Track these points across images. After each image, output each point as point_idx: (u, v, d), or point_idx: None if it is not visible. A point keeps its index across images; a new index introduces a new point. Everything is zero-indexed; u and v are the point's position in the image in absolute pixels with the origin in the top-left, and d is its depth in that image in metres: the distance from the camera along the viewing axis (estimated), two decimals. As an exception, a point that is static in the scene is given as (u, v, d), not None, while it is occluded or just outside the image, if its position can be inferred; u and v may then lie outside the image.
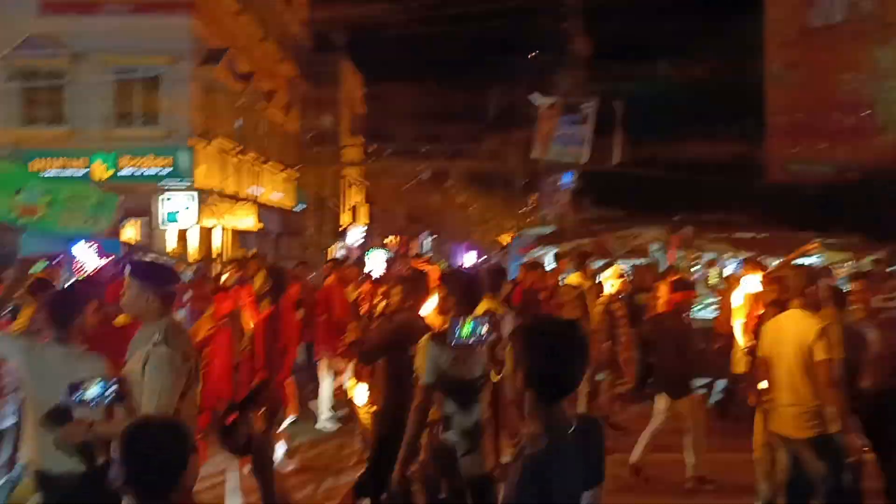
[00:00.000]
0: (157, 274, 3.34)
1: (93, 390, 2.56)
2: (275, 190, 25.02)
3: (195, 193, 18.81)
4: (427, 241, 36.62)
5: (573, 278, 7.38)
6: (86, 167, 17.97)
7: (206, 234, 20.88)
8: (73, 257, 12.57)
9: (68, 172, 17.68)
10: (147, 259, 11.57)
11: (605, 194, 18.88)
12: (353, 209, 29.22)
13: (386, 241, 37.65)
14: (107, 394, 2.59)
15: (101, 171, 18.15)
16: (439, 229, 36.54)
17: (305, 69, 26.51)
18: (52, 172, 17.42)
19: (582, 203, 20.45)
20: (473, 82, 27.96)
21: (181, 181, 18.46)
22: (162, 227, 19.12)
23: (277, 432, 5.53)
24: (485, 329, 3.09)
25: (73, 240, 13.69)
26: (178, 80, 18.35)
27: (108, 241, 14.02)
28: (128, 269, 3.28)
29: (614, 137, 16.48)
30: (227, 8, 20.40)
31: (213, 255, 20.42)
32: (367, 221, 30.53)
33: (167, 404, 2.90)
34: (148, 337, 3.00)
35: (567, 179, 21.75)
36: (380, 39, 23.94)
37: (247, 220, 23.35)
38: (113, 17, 17.90)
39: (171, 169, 18.33)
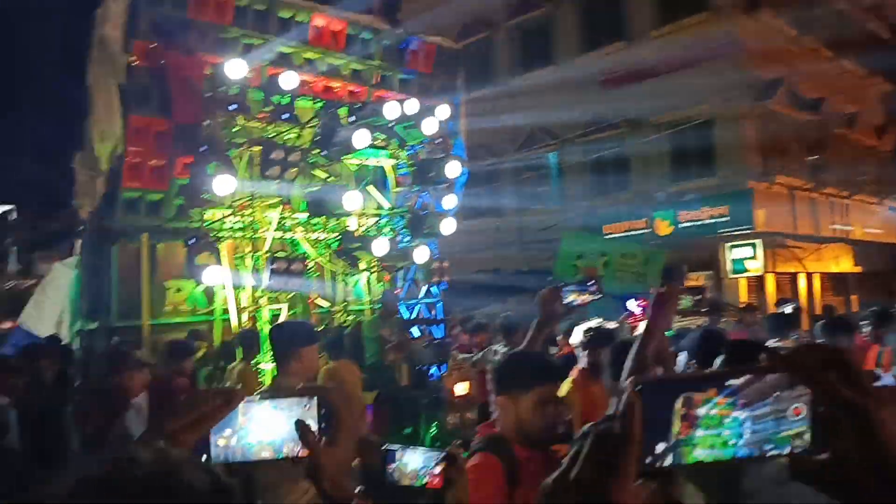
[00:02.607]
0: None
1: None
2: (871, 225, 21.45)
3: (759, 240, 17.54)
4: None
5: None
6: (648, 227, 18.59)
7: (785, 281, 19.16)
8: (629, 313, 13.08)
9: (635, 233, 18.59)
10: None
11: None
12: None
13: None
14: None
15: (662, 227, 18.54)
16: None
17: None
18: (620, 235, 18.70)
19: None
20: None
21: (742, 228, 17.44)
22: (731, 278, 18.36)
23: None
24: None
25: (626, 297, 14.28)
26: (731, 124, 17.66)
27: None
28: None
29: None
30: (783, 35, 18.78)
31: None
32: None
33: None
34: None
35: None
36: None
37: (840, 262, 20.59)
38: (662, 78, 18.51)
39: (728, 217, 17.51)
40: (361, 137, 7.91)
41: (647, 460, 0.73)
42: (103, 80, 7.44)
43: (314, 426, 1.15)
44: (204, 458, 1.08)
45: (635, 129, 18.99)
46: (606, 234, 18.69)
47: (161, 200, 8.19)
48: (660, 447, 0.74)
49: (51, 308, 11.33)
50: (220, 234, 8.12)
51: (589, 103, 19.44)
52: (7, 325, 16.82)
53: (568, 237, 17.26)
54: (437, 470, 1.88)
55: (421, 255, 8.71)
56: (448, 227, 8.91)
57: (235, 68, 7.81)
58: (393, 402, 7.79)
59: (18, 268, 31.85)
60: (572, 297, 2.97)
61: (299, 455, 1.12)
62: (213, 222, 8.17)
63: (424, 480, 1.87)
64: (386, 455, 1.88)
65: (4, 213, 41.77)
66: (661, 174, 18.76)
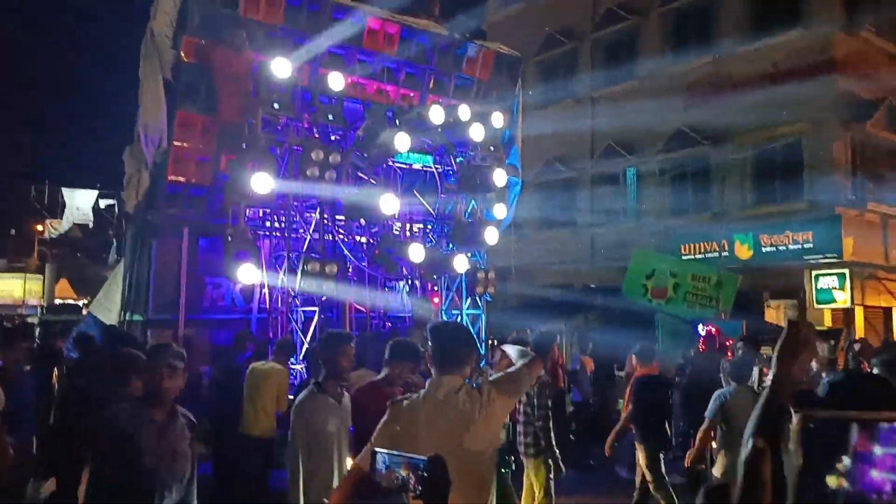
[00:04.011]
0: None
1: None
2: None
3: (847, 270, 16.34)
4: None
5: None
6: (727, 249, 17.66)
7: (876, 315, 17.81)
8: (699, 336, 12.43)
9: (712, 255, 17.70)
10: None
11: None
12: None
13: None
14: None
15: (742, 251, 17.58)
16: None
17: None
18: (696, 257, 17.87)
19: None
20: None
21: (829, 256, 16.30)
22: (816, 308, 17.18)
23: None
24: None
25: (695, 321, 13.59)
26: (822, 144, 16.57)
27: (728, 323, 13.42)
28: None
29: None
30: (884, 53, 17.56)
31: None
32: None
33: None
34: None
35: None
36: None
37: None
38: (750, 93, 17.62)
39: (812, 244, 16.40)
40: (402, 141, 7.72)
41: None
42: (151, 74, 7.55)
43: None
44: None
45: (718, 145, 18.06)
46: (683, 255, 17.92)
47: (203, 196, 8.25)
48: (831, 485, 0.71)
49: (116, 297, 11.67)
50: (258, 233, 8.09)
51: (671, 117, 18.73)
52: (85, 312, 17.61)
53: (638, 255, 16.55)
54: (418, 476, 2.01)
55: (459, 263, 8.42)
56: (491, 236, 8.60)
57: (281, 67, 7.78)
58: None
59: (115, 258, 33.51)
60: None
61: None
62: (253, 220, 8.16)
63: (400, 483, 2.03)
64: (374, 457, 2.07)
65: (107, 206, 44.10)
66: (743, 194, 17.80)
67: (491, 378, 3.27)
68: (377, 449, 2.14)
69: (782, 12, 17.28)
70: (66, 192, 43.60)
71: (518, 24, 23.34)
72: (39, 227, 41.91)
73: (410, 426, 3.07)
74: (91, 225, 43.28)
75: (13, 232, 42.13)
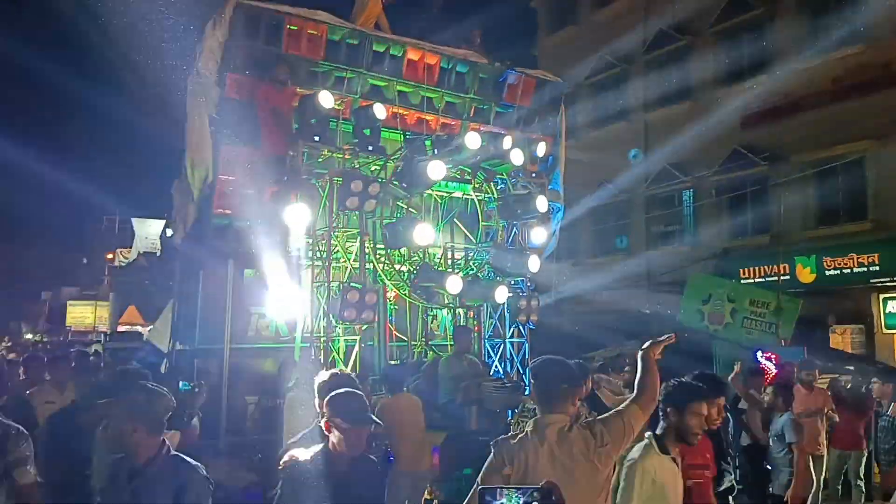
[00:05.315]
0: None
1: None
2: None
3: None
4: None
5: None
6: (788, 272, 17.06)
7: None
8: (758, 363, 11.99)
9: (773, 279, 17.12)
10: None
11: None
12: None
13: None
14: None
15: (805, 274, 16.97)
16: None
17: None
18: (757, 280, 17.31)
19: None
20: None
21: (895, 279, 15.60)
22: (885, 333, 16.43)
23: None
24: None
25: (755, 348, 13.12)
26: (887, 163, 15.94)
27: (789, 350, 12.91)
28: None
29: None
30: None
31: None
32: None
33: None
34: None
35: None
36: None
37: None
38: (809, 112, 17.12)
39: (878, 266, 15.71)
40: (436, 169, 7.75)
41: None
42: (197, 111, 7.79)
43: None
44: None
45: (777, 165, 17.56)
46: (742, 279, 17.41)
47: (247, 228, 8.41)
48: None
49: (168, 326, 11.98)
50: (300, 262, 8.21)
51: (727, 137, 18.32)
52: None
53: (694, 280, 16.06)
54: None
55: (500, 294, 8.34)
56: (534, 264, 8.51)
57: (323, 100, 7.93)
58: (458, 444, 7.47)
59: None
60: None
61: None
62: (294, 251, 8.28)
63: None
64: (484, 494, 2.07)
65: (172, 236, 45.53)
66: (804, 215, 17.23)
67: (600, 418, 3.15)
68: (488, 486, 2.23)
69: (842, 27, 16.77)
70: (135, 222, 45.16)
71: (569, 47, 23.29)
72: (110, 256, 43.50)
73: (523, 467, 2.95)
74: (159, 253, 44.64)
75: (85, 261, 43.85)
